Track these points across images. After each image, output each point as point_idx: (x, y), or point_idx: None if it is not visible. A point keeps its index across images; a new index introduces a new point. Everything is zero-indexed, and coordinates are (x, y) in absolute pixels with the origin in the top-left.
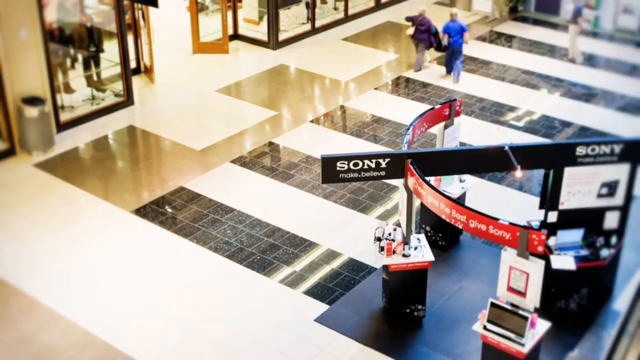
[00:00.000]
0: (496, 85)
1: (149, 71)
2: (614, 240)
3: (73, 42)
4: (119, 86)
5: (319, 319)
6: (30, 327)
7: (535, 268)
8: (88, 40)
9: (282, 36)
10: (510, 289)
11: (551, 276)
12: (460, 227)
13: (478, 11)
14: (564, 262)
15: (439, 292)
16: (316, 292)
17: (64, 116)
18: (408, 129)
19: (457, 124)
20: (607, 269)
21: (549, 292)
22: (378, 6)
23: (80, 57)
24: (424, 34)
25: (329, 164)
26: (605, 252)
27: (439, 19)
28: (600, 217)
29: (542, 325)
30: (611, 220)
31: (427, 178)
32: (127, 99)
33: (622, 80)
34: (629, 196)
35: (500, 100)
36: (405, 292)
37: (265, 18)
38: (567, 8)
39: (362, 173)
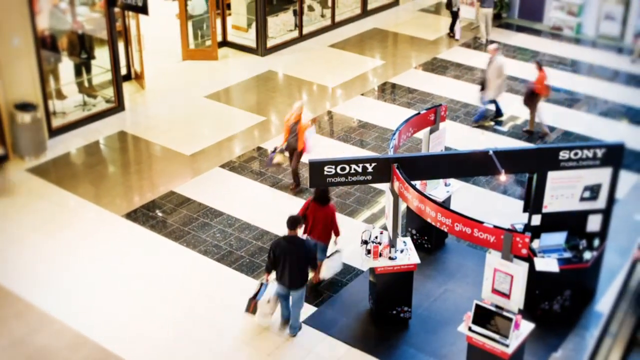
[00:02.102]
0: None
1: (139, 77)
2: (596, 242)
3: (65, 49)
4: (110, 92)
5: (307, 320)
6: (24, 329)
7: (519, 270)
8: (79, 47)
9: (270, 43)
10: (495, 291)
11: (535, 278)
12: (445, 230)
13: (463, 18)
14: (548, 264)
15: (424, 294)
16: (305, 294)
17: (56, 122)
18: (394, 134)
19: (443, 129)
20: (590, 271)
21: (533, 293)
22: (364, 13)
23: (71, 63)
24: None
25: (316, 168)
26: (588, 255)
27: (424, 27)
28: (583, 220)
29: (526, 327)
30: (594, 223)
31: (413, 182)
32: (118, 105)
33: (605, 86)
34: (611, 199)
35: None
36: (392, 294)
37: (253, 25)
38: (550, 15)
39: (349, 177)
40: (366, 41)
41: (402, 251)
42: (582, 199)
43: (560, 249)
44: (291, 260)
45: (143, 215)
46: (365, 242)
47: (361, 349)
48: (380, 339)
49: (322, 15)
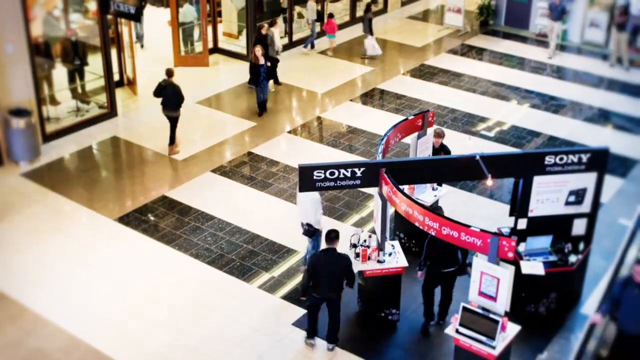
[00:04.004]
0: (468, 96)
1: (131, 84)
2: (581, 246)
3: (58, 55)
4: (102, 98)
5: (296, 323)
6: (18, 332)
7: (506, 273)
8: (73, 54)
9: None
10: (482, 294)
11: (521, 281)
12: (433, 234)
13: (450, 25)
14: (534, 267)
15: (412, 296)
16: (294, 297)
17: (50, 127)
18: (382, 139)
19: (430, 134)
20: (575, 274)
21: (519, 296)
22: (353, 20)
23: (65, 70)
24: None
25: (306, 173)
26: (573, 258)
27: (412, 34)
28: (568, 224)
29: (513, 329)
30: (579, 227)
31: (401, 186)
32: (110, 111)
33: (589, 92)
34: (595, 204)
35: (472, 111)
36: (380, 296)
37: (244, 32)
38: (535, 22)
39: (338, 182)
40: (355, 48)
41: (390, 254)
42: (568, 203)
43: (545, 253)
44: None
45: (135, 219)
46: (354, 246)
47: (350, 351)
48: (368, 341)
49: None
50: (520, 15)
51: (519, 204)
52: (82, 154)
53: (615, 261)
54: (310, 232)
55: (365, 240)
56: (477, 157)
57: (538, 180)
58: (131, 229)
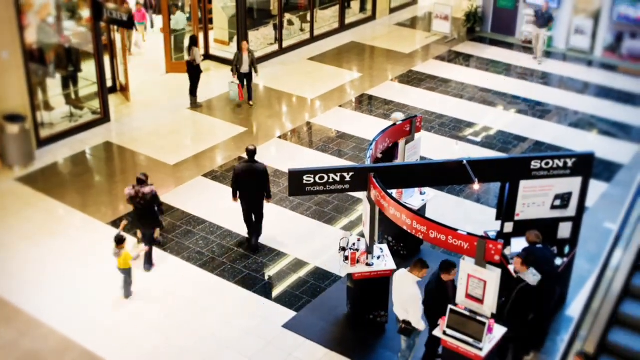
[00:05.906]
0: (455, 102)
1: (124, 90)
2: (567, 249)
3: (52, 62)
4: (96, 104)
5: (286, 325)
6: (12, 333)
7: (492, 276)
8: (66, 61)
9: None
10: (469, 296)
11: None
12: (420, 237)
13: (437, 32)
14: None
15: None
16: (284, 300)
17: (44, 132)
18: (371, 144)
19: (418, 140)
20: (560, 277)
21: (506, 298)
22: (342, 27)
23: (59, 76)
24: None
25: (296, 177)
26: (558, 261)
27: (400, 40)
28: (554, 228)
29: (499, 331)
30: (564, 231)
31: (389, 191)
32: (103, 116)
33: (575, 98)
34: (581, 207)
35: (459, 117)
36: (369, 299)
37: (235, 39)
38: (521, 29)
39: (327, 186)
40: (344, 54)
41: (378, 257)
42: (553, 207)
43: None
44: None
45: (128, 222)
46: (343, 249)
47: (339, 352)
48: (357, 343)
49: (302, 30)
50: (507, 22)
51: (505, 208)
52: (75, 159)
53: (600, 265)
54: (408, 330)
55: (354, 244)
56: (465, 162)
57: (524, 185)
58: (124, 233)
